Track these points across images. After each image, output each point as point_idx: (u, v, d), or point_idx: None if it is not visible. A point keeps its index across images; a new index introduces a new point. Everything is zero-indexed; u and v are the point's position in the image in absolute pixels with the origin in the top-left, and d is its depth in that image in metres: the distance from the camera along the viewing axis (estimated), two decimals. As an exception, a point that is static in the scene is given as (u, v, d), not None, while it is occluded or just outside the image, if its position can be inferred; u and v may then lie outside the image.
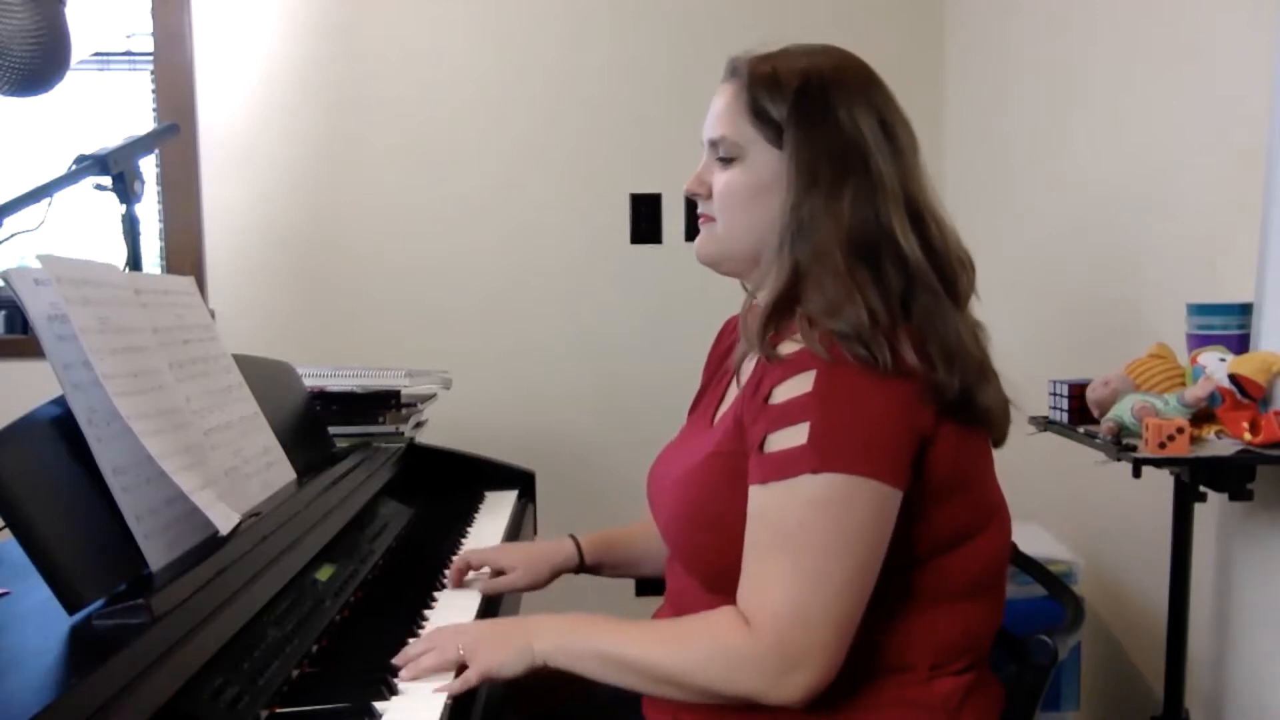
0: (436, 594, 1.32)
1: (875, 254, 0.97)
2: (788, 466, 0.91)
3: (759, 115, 1.03)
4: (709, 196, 1.08)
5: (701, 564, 1.03)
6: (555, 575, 1.36)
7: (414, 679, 1.02)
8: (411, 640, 1.11)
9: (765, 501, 0.93)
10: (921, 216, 1.01)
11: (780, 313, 0.98)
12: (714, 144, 1.07)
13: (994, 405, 1.01)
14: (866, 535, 0.91)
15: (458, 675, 1.02)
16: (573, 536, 1.39)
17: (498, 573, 1.34)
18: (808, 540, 0.90)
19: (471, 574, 1.36)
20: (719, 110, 1.07)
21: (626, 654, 0.98)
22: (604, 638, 1.00)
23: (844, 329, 0.91)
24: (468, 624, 1.16)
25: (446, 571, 1.37)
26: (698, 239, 1.11)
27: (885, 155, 1.00)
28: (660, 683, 0.97)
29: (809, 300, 0.96)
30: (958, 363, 0.95)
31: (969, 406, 0.96)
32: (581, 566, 1.38)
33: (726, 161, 1.06)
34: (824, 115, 1.00)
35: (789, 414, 0.92)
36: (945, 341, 0.95)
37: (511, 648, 1.02)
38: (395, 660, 1.05)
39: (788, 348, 0.95)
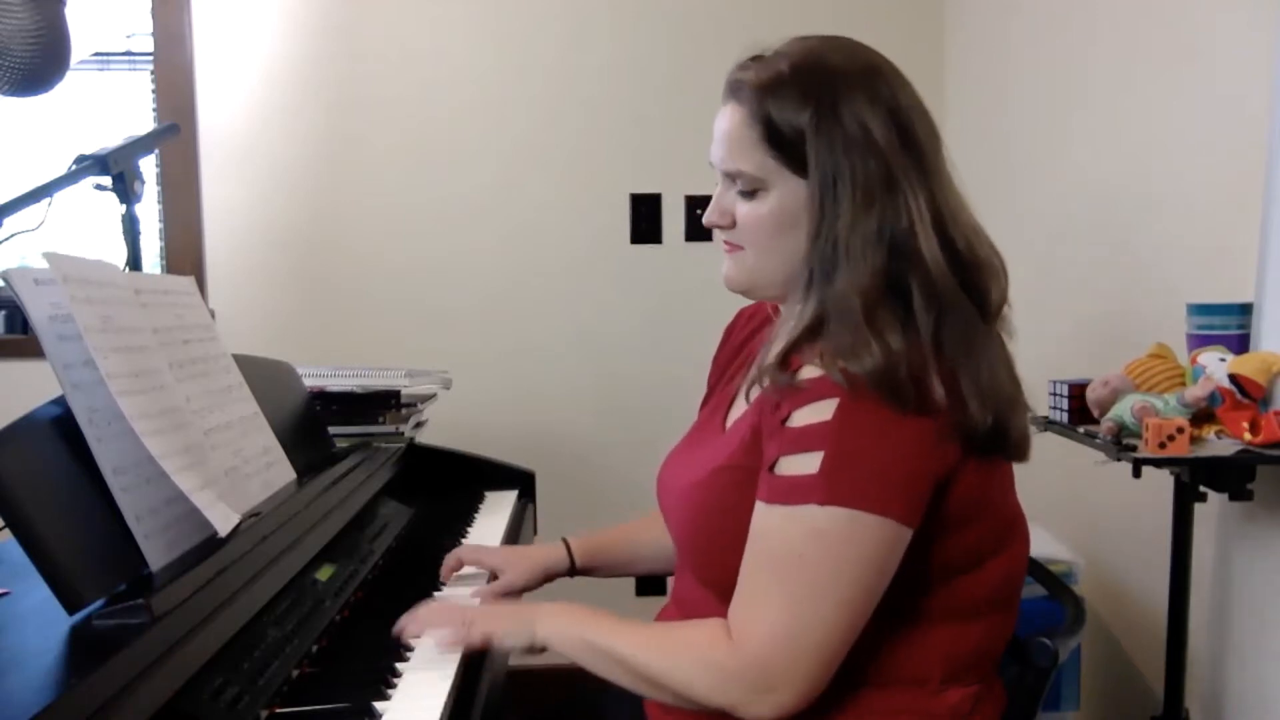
0: (436, 594, 1.32)
1: (903, 286, 0.94)
2: (795, 493, 0.90)
3: (775, 144, 0.98)
4: (732, 225, 1.03)
5: (714, 575, 1.02)
6: (548, 578, 1.35)
7: (416, 636, 1.08)
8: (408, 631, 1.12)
9: (768, 522, 0.93)
10: (948, 230, 0.97)
11: (799, 346, 0.96)
12: (731, 177, 1.02)
13: (1023, 433, 0.98)
14: (866, 570, 0.90)
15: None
16: (565, 540, 1.38)
17: (491, 577, 1.34)
18: (803, 569, 0.89)
19: (467, 570, 1.37)
20: (730, 140, 1.01)
21: (618, 651, 0.99)
22: (601, 632, 1.02)
23: (858, 370, 0.89)
24: (470, 603, 1.21)
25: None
26: (726, 267, 1.06)
27: (909, 169, 0.96)
28: (645, 682, 0.98)
29: (829, 339, 0.93)
30: (990, 399, 0.92)
31: (999, 441, 0.94)
32: (573, 570, 1.37)
33: (749, 194, 1.01)
34: (842, 137, 0.95)
35: (804, 440, 0.90)
36: (978, 377, 0.92)
37: (515, 621, 1.05)
38: (399, 621, 1.09)
39: (809, 372, 0.92)
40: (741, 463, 0.98)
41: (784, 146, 0.97)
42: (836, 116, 0.95)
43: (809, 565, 0.89)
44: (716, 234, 1.07)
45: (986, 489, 0.97)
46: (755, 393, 1.00)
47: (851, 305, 0.92)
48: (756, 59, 1.01)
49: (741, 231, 1.03)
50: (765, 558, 0.92)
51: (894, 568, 0.91)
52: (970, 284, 0.97)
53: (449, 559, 1.36)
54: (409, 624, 1.09)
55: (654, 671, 0.97)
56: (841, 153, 0.95)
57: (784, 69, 0.98)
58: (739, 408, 1.07)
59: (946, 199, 0.99)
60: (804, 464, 0.90)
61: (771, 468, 0.93)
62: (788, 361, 0.95)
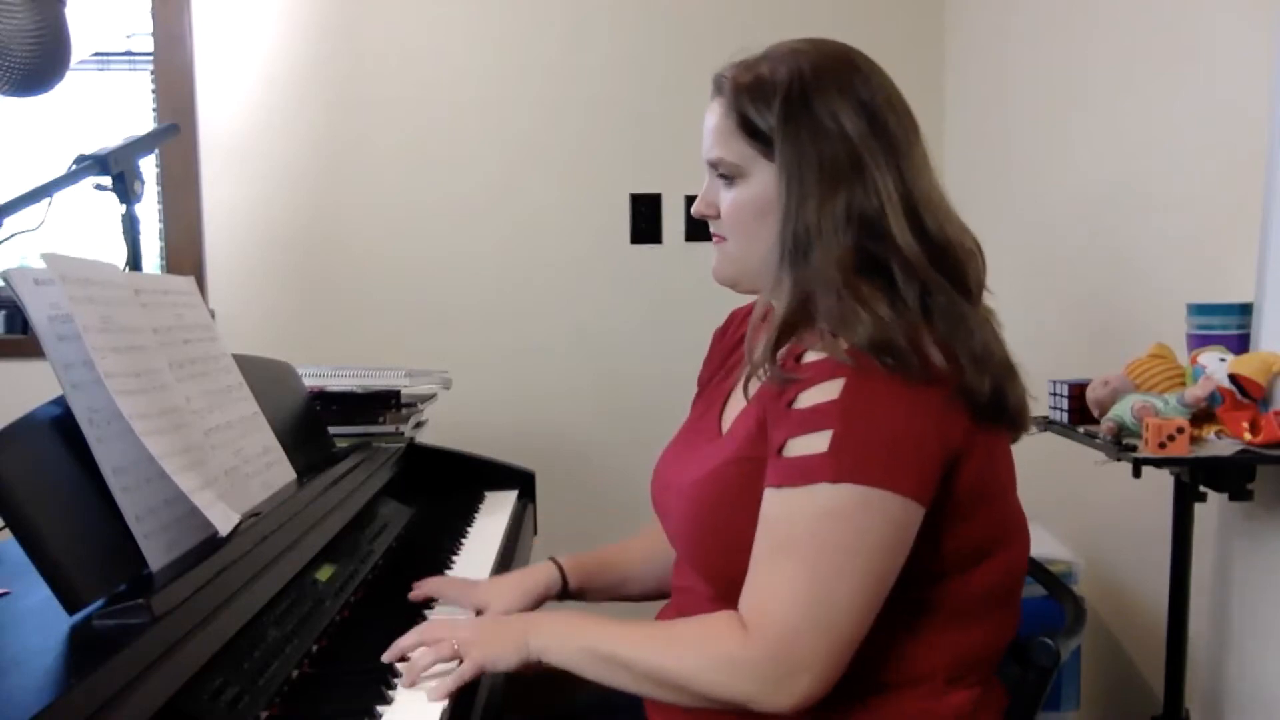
0: (427, 612, 1.30)
1: (883, 262, 0.95)
2: (806, 473, 0.89)
3: (750, 132, 1.01)
4: (718, 216, 1.06)
5: (713, 571, 1.02)
6: (539, 604, 1.28)
7: (413, 684, 1.00)
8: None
9: (778, 506, 0.92)
10: (918, 211, 0.97)
11: (793, 329, 0.96)
12: (713, 165, 1.05)
13: (1021, 402, 0.99)
14: (880, 549, 0.89)
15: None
16: (554, 560, 1.32)
17: (478, 612, 1.24)
18: (818, 550, 0.88)
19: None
20: (712, 130, 1.05)
21: (621, 654, 0.96)
22: (599, 636, 0.98)
23: (861, 342, 0.89)
24: (460, 618, 1.16)
25: (447, 573, 1.37)
26: (714, 260, 1.09)
27: (877, 154, 0.97)
28: (654, 684, 0.96)
29: (821, 317, 0.94)
30: (986, 365, 0.93)
31: (1000, 407, 0.94)
32: (565, 591, 1.31)
33: (729, 180, 1.04)
34: (810, 125, 0.98)
35: (813, 420, 0.90)
36: (970, 343, 0.93)
37: (508, 642, 1.01)
38: (385, 656, 1.04)
39: (812, 356, 0.92)
40: (749, 455, 0.97)
41: (758, 135, 1.01)
42: (807, 107, 0.98)
43: (822, 546, 0.88)
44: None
45: (991, 474, 0.97)
46: (754, 386, 1.00)
47: (831, 277, 0.94)
48: (741, 58, 1.05)
49: (724, 220, 1.06)
50: (776, 542, 0.91)
51: (907, 548, 0.90)
52: (944, 264, 0.97)
53: (422, 588, 1.28)
54: (404, 677, 1.01)
55: (664, 673, 0.94)
56: (808, 139, 0.98)
57: (763, 65, 1.03)
58: (735, 405, 1.07)
59: (918, 182, 0.99)
60: (813, 443, 0.89)
61: (780, 451, 0.92)
62: (785, 348, 0.95)
